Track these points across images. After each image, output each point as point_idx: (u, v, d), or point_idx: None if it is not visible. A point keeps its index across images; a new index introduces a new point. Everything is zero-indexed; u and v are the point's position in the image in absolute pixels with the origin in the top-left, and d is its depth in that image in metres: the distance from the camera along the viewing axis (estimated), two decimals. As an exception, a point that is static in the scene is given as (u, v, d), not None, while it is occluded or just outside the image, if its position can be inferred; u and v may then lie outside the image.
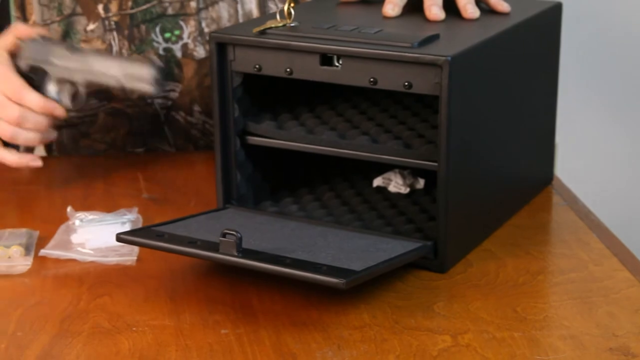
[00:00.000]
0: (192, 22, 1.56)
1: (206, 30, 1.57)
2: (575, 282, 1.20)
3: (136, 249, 1.27)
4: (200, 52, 1.58)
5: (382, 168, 1.41)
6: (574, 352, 1.06)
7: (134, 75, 1.36)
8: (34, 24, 1.55)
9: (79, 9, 1.55)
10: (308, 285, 1.14)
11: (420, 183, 1.41)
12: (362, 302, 1.16)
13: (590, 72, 2.32)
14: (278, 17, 1.29)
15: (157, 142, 1.62)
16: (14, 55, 1.43)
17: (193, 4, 1.56)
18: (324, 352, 1.06)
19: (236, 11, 1.57)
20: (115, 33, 1.56)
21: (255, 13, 1.57)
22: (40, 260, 1.26)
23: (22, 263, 1.24)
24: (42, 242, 1.29)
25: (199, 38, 1.57)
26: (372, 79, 1.22)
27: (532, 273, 1.22)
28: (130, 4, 1.55)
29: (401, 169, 1.41)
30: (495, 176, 1.32)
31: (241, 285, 1.20)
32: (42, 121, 1.42)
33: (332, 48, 1.23)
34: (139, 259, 1.26)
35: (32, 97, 1.40)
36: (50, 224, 1.34)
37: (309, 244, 1.20)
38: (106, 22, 1.56)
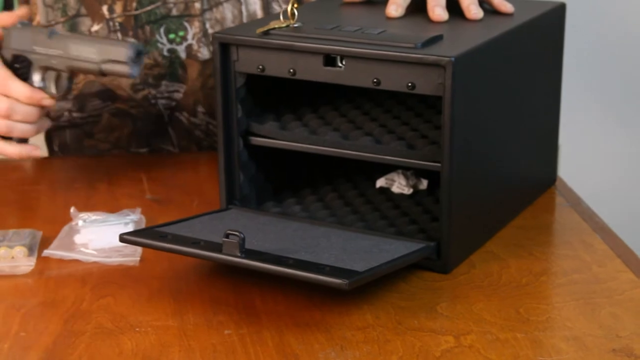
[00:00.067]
0: (197, 23, 1.57)
1: (210, 31, 1.57)
2: (578, 283, 1.20)
3: (139, 249, 1.27)
4: (204, 53, 1.58)
5: (385, 169, 1.41)
6: (577, 353, 1.06)
7: (112, 59, 1.36)
8: (39, 24, 1.55)
9: (83, 10, 1.56)
10: (311, 286, 1.14)
11: (424, 184, 1.40)
12: (365, 303, 1.16)
13: (593, 73, 2.32)
14: (281, 17, 1.29)
15: (160, 142, 1.62)
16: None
17: (197, 5, 1.56)
18: (327, 353, 1.06)
19: (240, 12, 1.57)
20: (119, 34, 1.56)
21: (259, 14, 1.58)
22: (43, 261, 1.26)
23: (25, 263, 1.25)
24: (45, 242, 1.29)
25: (203, 39, 1.57)
26: (375, 80, 1.22)
27: (535, 274, 1.22)
28: (134, 5, 1.55)
29: (404, 169, 1.41)
30: (499, 177, 1.32)
31: (244, 286, 1.20)
32: (31, 111, 1.41)
33: (336, 49, 1.23)
34: (142, 260, 1.26)
35: (17, 88, 1.39)
36: (53, 224, 1.34)
37: (312, 244, 1.20)
38: (110, 23, 1.56)
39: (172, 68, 1.58)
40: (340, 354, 1.06)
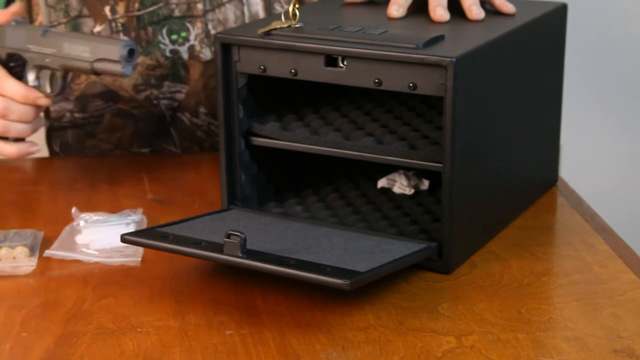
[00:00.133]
0: (199, 24, 1.57)
1: (213, 32, 1.57)
2: (580, 283, 1.20)
3: (141, 249, 1.27)
4: (206, 54, 1.58)
5: (387, 169, 1.41)
6: (578, 354, 1.06)
7: (105, 58, 1.34)
8: (40, 25, 1.55)
9: (85, 11, 1.56)
10: (312, 286, 1.14)
11: (425, 184, 1.40)
12: (367, 303, 1.16)
13: (595, 73, 2.32)
14: (283, 18, 1.29)
15: (162, 142, 1.62)
16: None
17: (200, 6, 1.56)
18: (329, 353, 1.06)
19: (243, 13, 1.57)
20: (122, 35, 1.56)
21: (261, 15, 1.58)
22: (44, 261, 1.26)
23: (26, 264, 1.25)
24: (46, 242, 1.29)
25: (206, 40, 1.57)
26: (376, 80, 1.22)
27: (536, 274, 1.22)
28: (137, 5, 1.55)
29: (406, 170, 1.41)
30: (500, 177, 1.32)
31: (245, 286, 1.20)
32: (27, 111, 1.40)
33: (337, 49, 1.23)
34: (143, 260, 1.26)
35: (12, 87, 1.38)
36: (55, 224, 1.34)
37: (313, 245, 1.20)
38: (113, 24, 1.56)
39: (175, 69, 1.58)
40: (342, 355, 1.06)
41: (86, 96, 1.59)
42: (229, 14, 1.57)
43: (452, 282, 1.21)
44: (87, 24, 1.55)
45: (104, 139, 1.61)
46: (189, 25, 1.57)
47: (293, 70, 1.26)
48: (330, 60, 1.24)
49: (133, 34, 1.56)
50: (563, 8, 1.42)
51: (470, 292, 1.18)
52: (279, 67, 1.27)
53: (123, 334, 1.10)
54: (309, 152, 1.31)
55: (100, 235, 1.29)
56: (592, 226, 1.35)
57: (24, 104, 1.39)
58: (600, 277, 1.22)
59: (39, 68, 1.40)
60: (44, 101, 1.39)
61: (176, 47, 1.57)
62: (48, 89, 1.41)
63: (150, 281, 1.21)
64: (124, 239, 1.20)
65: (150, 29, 1.56)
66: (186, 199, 1.44)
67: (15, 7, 1.46)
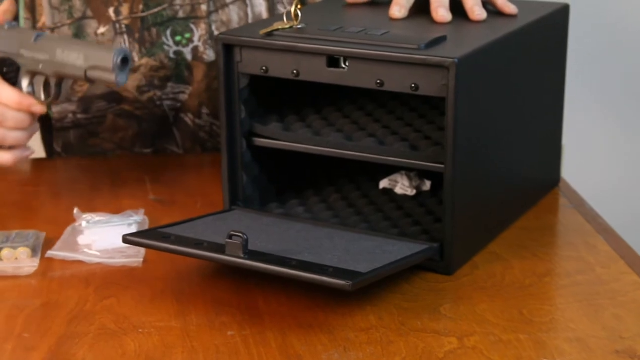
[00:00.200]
0: (203, 25, 1.57)
1: (216, 33, 1.57)
2: (581, 284, 1.20)
3: (142, 250, 1.27)
4: (210, 55, 1.58)
5: (389, 170, 1.41)
6: (580, 355, 1.06)
7: (98, 66, 1.29)
8: (44, 26, 1.55)
9: (89, 12, 1.56)
10: (314, 287, 1.14)
11: (427, 185, 1.40)
12: (369, 304, 1.16)
13: (596, 74, 2.32)
14: (285, 18, 1.29)
15: (165, 143, 1.62)
16: None
17: (204, 7, 1.56)
18: (330, 354, 1.06)
19: (246, 14, 1.57)
20: (126, 36, 1.56)
21: (265, 16, 1.58)
22: (47, 262, 1.26)
23: (28, 264, 1.25)
24: (49, 243, 1.29)
25: (209, 41, 1.57)
26: (378, 81, 1.22)
27: (538, 275, 1.22)
28: (141, 7, 1.55)
29: (408, 170, 1.41)
30: (502, 178, 1.32)
31: (247, 287, 1.20)
32: (22, 118, 1.35)
33: (339, 50, 1.23)
34: (145, 261, 1.26)
35: (6, 94, 1.34)
36: (57, 225, 1.34)
37: (315, 245, 1.20)
38: (117, 26, 1.56)
39: (178, 70, 1.58)
40: (344, 355, 1.06)
41: (89, 97, 1.59)
42: (233, 15, 1.57)
43: (453, 283, 1.20)
44: (91, 25, 1.56)
45: (107, 138, 1.61)
46: (192, 26, 1.57)
47: (295, 71, 1.26)
48: (332, 61, 1.24)
49: (137, 35, 1.56)
50: (565, 9, 1.41)
51: (472, 293, 1.18)
52: (281, 67, 1.27)
53: (125, 335, 1.10)
54: (310, 152, 1.31)
55: (102, 236, 1.29)
56: (594, 227, 1.34)
57: (19, 111, 1.35)
58: (602, 278, 1.21)
59: (33, 74, 1.35)
60: (38, 108, 1.35)
61: (180, 48, 1.57)
62: (42, 96, 1.35)
63: (152, 282, 1.21)
64: (126, 239, 1.20)
65: (154, 31, 1.56)
66: (188, 200, 1.44)
67: (5, 5, 1.44)
